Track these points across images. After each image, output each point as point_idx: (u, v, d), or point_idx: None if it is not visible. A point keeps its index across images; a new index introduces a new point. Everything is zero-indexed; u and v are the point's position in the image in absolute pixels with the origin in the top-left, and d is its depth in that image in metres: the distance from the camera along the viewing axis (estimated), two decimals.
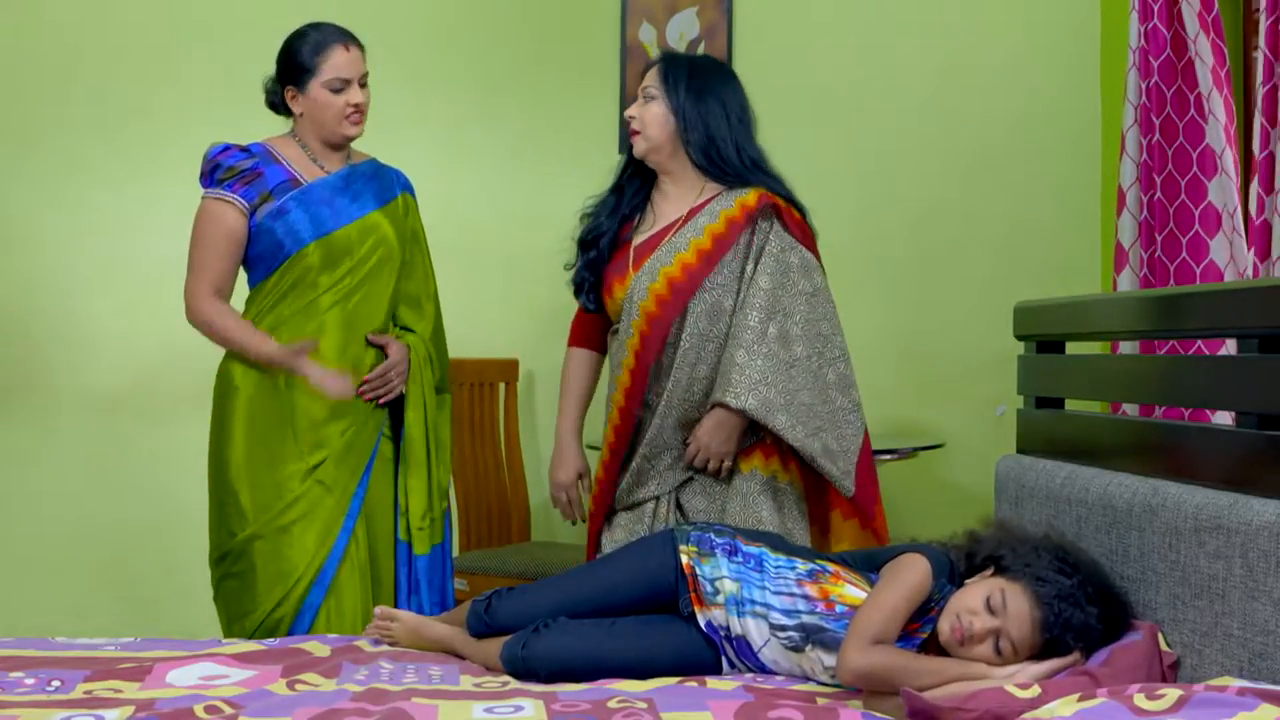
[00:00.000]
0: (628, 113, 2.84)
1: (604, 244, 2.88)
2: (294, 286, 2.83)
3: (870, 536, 2.79)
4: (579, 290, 2.93)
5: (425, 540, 2.91)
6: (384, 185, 2.94)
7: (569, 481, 2.96)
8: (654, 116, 2.79)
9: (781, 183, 2.83)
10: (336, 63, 2.81)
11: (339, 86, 2.82)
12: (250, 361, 2.81)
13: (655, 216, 2.87)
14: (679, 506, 2.81)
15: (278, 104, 2.92)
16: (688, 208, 2.82)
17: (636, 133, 2.81)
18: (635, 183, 2.91)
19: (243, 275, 2.92)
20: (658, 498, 2.80)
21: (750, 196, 2.77)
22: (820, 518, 2.83)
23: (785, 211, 2.77)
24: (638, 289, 2.77)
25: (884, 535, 2.80)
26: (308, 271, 2.82)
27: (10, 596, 4.04)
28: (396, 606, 2.90)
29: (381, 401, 2.90)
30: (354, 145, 2.96)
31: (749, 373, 2.65)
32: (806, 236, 2.80)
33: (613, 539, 2.84)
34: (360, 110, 2.85)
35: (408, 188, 3.02)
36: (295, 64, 2.83)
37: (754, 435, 2.76)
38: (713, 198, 2.80)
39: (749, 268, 2.74)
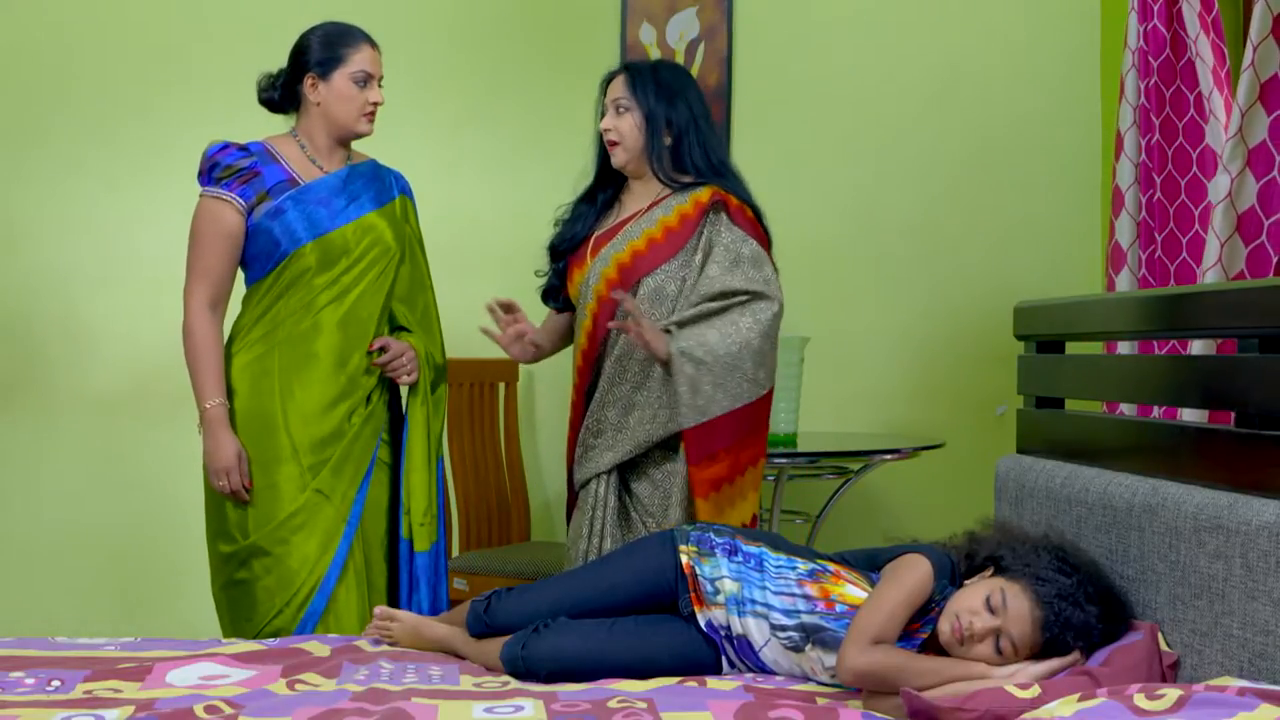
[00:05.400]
0: (603, 125, 2.92)
1: (572, 251, 2.99)
2: (290, 286, 2.82)
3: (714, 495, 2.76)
4: (546, 296, 3.07)
5: (425, 537, 2.92)
6: (383, 187, 2.95)
7: None
8: (630, 126, 2.88)
9: (743, 184, 2.92)
10: (364, 57, 2.85)
11: (363, 80, 2.84)
12: (246, 363, 2.82)
13: (620, 210, 2.98)
14: (628, 490, 2.87)
15: (275, 101, 2.92)
16: (648, 202, 2.92)
17: (615, 143, 2.90)
18: (609, 191, 3.00)
19: (241, 273, 2.92)
20: (598, 476, 2.86)
21: (704, 193, 2.85)
22: None
23: (737, 209, 2.85)
24: (593, 274, 2.89)
25: (706, 490, 2.73)
26: (304, 271, 2.82)
27: (10, 596, 4.04)
28: (392, 606, 2.89)
29: (397, 377, 2.91)
30: (355, 146, 2.96)
31: (708, 337, 2.71)
32: (758, 234, 2.87)
33: (573, 522, 2.94)
34: (376, 109, 2.88)
35: (406, 190, 3.02)
36: (321, 52, 2.84)
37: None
38: (672, 193, 2.90)
39: (698, 258, 2.83)
